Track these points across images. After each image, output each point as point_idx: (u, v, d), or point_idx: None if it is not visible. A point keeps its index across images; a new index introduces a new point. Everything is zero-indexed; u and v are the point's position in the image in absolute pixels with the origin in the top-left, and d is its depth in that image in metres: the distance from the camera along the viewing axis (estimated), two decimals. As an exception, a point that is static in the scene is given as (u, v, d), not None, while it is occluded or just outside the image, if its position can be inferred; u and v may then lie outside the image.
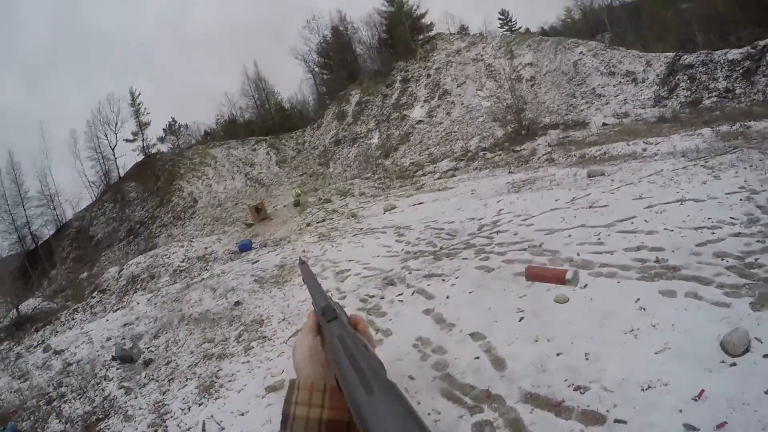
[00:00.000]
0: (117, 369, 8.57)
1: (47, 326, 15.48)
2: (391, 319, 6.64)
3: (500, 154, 21.39)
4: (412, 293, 7.19)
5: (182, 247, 20.55)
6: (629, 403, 3.58)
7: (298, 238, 15.68)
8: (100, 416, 6.98)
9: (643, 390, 3.65)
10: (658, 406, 3.45)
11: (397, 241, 10.78)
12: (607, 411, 3.58)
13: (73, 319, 15.68)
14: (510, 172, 16.57)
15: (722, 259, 5.19)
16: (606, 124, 20.45)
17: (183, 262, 18.56)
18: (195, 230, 30.06)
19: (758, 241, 5.41)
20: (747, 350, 3.65)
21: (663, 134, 15.02)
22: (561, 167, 14.49)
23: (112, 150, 45.32)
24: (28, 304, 20.25)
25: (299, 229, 18.28)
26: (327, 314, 0.67)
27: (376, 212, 15.89)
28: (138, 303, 12.88)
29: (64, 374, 9.10)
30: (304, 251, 12.69)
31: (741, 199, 6.83)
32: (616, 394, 3.71)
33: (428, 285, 7.28)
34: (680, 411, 3.34)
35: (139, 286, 17.53)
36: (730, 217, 6.27)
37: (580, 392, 3.88)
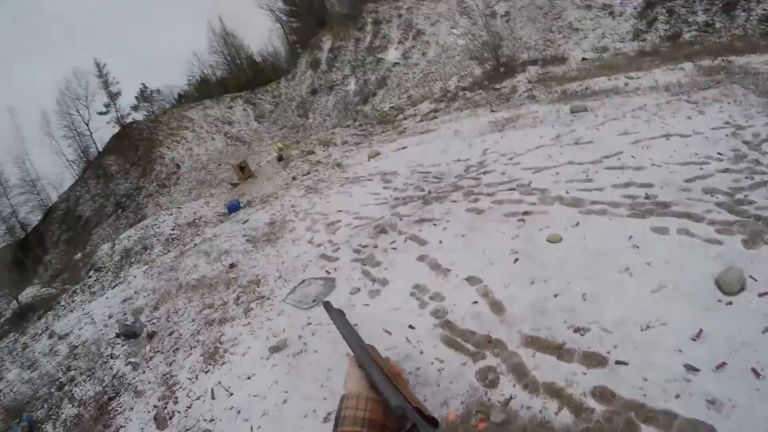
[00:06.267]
0: (122, 345, 8.59)
1: (49, 312, 15.51)
2: (386, 268, 6.61)
3: (480, 93, 21.05)
4: (405, 240, 7.13)
5: (171, 214, 20.20)
6: (629, 343, 3.66)
7: (285, 193, 15.51)
8: (112, 395, 7.04)
9: (642, 330, 3.73)
10: (658, 347, 3.53)
11: (384, 187, 10.61)
12: (608, 352, 3.67)
13: (73, 301, 15.68)
14: (492, 111, 16.24)
15: (712, 195, 5.22)
16: (585, 59, 20.16)
17: (173, 230, 18.32)
18: (182, 196, 29.76)
19: (746, 177, 5.43)
20: (742, 289, 3.72)
21: (644, 68, 14.80)
22: (543, 104, 14.30)
23: (87, 125, 44.78)
24: (27, 293, 20.31)
25: (285, 183, 18.04)
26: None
27: (361, 160, 15.55)
28: (135, 276, 12.78)
29: (71, 358, 9.15)
30: (292, 206, 12.60)
31: (727, 135, 6.81)
32: (616, 334, 3.80)
33: (420, 231, 7.21)
34: (680, 351, 3.42)
35: (133, 259, 17.35)
36: (717, 153, 6.27)
37: (580, 334, 3.96)
